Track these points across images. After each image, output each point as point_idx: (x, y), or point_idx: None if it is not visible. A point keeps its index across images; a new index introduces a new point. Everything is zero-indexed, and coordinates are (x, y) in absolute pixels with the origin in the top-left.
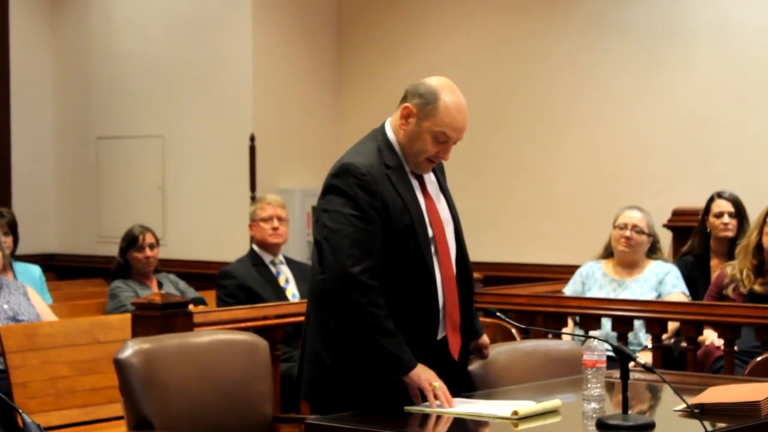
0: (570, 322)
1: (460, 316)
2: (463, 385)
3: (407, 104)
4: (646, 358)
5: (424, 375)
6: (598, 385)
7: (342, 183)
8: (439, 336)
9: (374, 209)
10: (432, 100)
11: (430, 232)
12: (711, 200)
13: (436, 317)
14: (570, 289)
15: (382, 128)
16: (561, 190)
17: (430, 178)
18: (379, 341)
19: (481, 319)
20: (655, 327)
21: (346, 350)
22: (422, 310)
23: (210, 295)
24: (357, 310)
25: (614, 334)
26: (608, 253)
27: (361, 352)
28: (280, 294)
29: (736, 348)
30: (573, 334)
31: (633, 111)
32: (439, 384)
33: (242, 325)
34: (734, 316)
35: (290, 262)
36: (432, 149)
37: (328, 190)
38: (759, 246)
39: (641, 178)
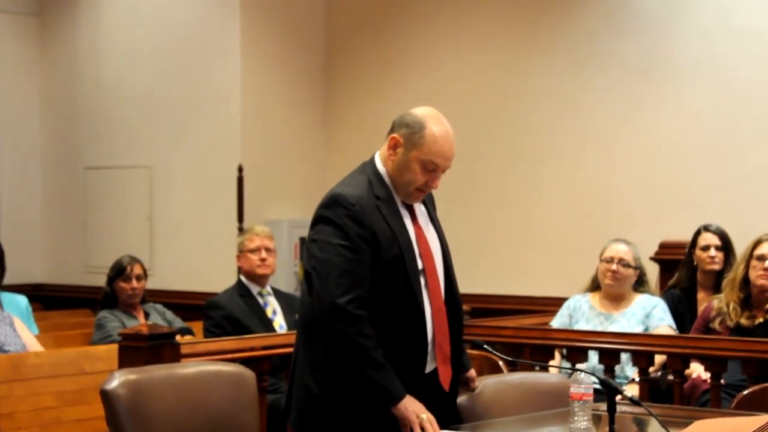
0: (557, 354)
1: (450, 348)
2: (451, 418)
3: (394, 135)
4: (632, 391)
5: (411, 407)
6: (585, 418)
7: (331, 213)
8: (429, 368)
9: (363, 240)
10: (418, 129)
11: (420, 264)
12: (698, 233)
13: (425, 349)
14: (557, 322)
15: (371, 161)
16: (548, 222)
17: (420, 209)
18: (367, 372)
19: (469, 351)
20: (642, 360)
21: (335, 380)
22: (411, 341)
23: (197, 326)
24: (345, 340)
25: (601, 367)
26: (595, 286)
27: (349, 383)
28: (267, 325)
29: (722, 381)
30: (560, 367)
31: (620, 144)
32: (426, 416)
33: (229, 356)
34: (721, 350)
35: (278, 293)
36: (421, 178)
37: (318, 220)
38: (746, 279)
39: (628, 210)
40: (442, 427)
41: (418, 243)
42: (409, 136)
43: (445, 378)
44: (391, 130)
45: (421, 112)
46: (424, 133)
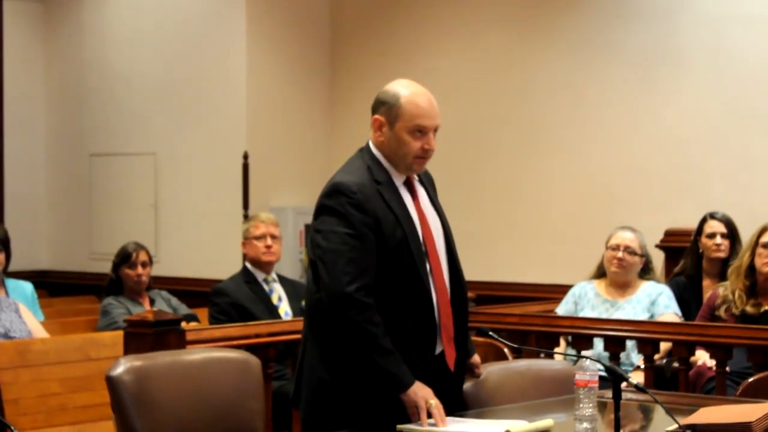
0: (562, 341)
1: (454, 328)
2: (458, 399)
3: (375, 116)
4: (638, 378)
5: (420, 392)
6: (590, 405)
7: (334, 203)
8: (438, 350)
9: (367, 226)
10: (395, 101)
11: (424, 246)
12: (703, 221)
13: (434, 330)
14: (563, 309)
15: (366, 146)
16: (554, 210)
17: (420, 191)
18: (376, 359)
19: (474, 338)
20: (648, 347)
21: (344, 368)
22: (420, 324)
23: (202, 313)
24: (354, 328)
25: (606, 354)
26: (601, 273)
27: (358, 370)
28: (272, 312)
29: (728, 369)
30: (565, 354)
31: (626, 132)
32: (435, 402)
33: (234, 342)
34: (726, 337)
35: (283, 280)
36: (416, 145)
37: (321, 210)
38: (751, 267)
39: (634, 198)
40: (448, 407)
41: (421, 225)
42: (389, 111)
43: (450, 358)
44: (372, 113)
45: (391, 85)
46: (400, 103)
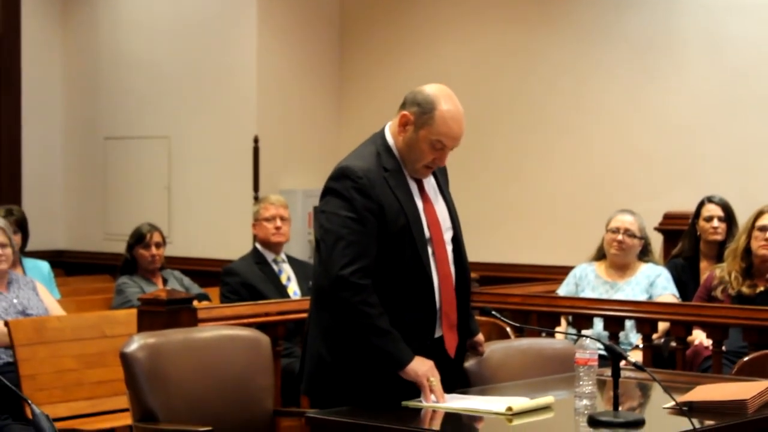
0: (563, 321)
1: (457, 315)
2: (458, 382)
3: (405, 112)
4: (636, 357)
5: (421, 369)
6: (590, 382)
7: (339, 186)
8: (436, 335)
9: (370, 211)
10: (429, 110)
11: (427, 234)
12: (701, 204)
13: (434, 316)
14: (563, 290)
15: (381, 132)
16: (556, 193)
17: (429, 181)
18: (373, 339)
19: (477, 317)
20: (646, 327)
21: (345, 347)
22: (419, 309)
23: (214, 292)
24: (350, 309)
25: (606, 333)
26: (601, 255)
27: (358, 349)
28: (281, 291)
29: (724, 348)
30: (566, 333)
31: (626, 117)
32: (435, 379)
33: (245, 321)
34: (722, 317)
35: (292, 261)
36: (429, 156)
37: (327, 192)
38: (747, 249)
39: (633, 182)
40: (448, 390)
41: (426, 214)
42: (420, 115)
43: (451, 344)
44: (403, 106)
45: (432, 90)
46: (434, 114)
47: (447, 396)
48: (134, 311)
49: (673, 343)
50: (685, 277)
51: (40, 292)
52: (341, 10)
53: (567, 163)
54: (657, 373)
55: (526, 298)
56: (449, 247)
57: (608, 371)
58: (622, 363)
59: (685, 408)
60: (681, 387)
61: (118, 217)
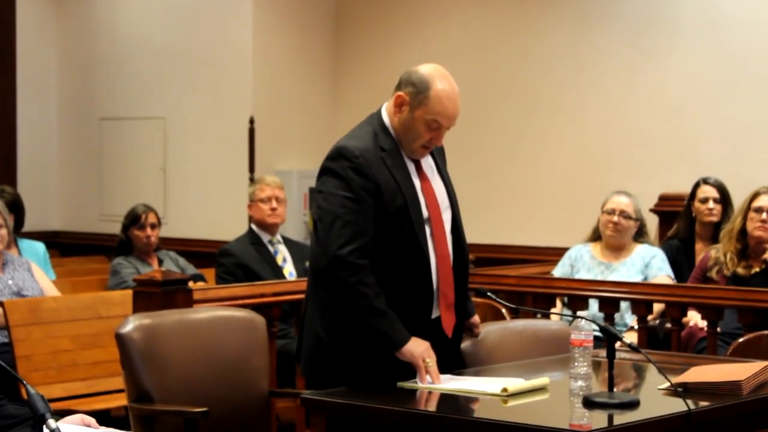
0: (558, 302)
1: (454, 295)
2: (454, 363)
3: (400, 93)
4: (631, 338)
5: (417, 350)
6: (585, 363)
7: (336, 166)
8: (434, 315)
9: (366, 191)
10: (424, 89)
11: (425, 213)
12: (697, 186)
13: (431, 296)
14: (559, 271)
15: (378, 113)
16: (551, 174)
17: (427, 161)
18: (369, 320)
19: (473, 298)
20: (641, 308)
21: (342, 328)
22: (417, 289)
23: (209, 273)
24: (346, 289)
25: (601, 314)
26: (596, 236)
27: (355, 330)
28: (277, 272)
29: (719, 329)
30: (561, 315)
31: (622, 99)
32: (430, 360)
33: (240, 302)
34: (717, 299)
35: (288, 242)
36: (425, 136)
37: (323, 172)
38: (743, 231)
39: (629, 163)
40: (444, 370)
41: (424, 193)
42: (415, 95)
43: (448, 325)
44: (398, 87)
45: (427, 70)
46: (429, 94)
47: (442, 377)
48: (129, 292)
49: (668, 324)
50: (681, 259)
51: (36, 272)
52: None
53: (563, 144)
54: (652, 354)
55: (521, 280)
56: (447, 227)
57: (603, 352)
58: (617, 344)
59: (680, 389)
60: (676, 368)
61: (113, 197)
